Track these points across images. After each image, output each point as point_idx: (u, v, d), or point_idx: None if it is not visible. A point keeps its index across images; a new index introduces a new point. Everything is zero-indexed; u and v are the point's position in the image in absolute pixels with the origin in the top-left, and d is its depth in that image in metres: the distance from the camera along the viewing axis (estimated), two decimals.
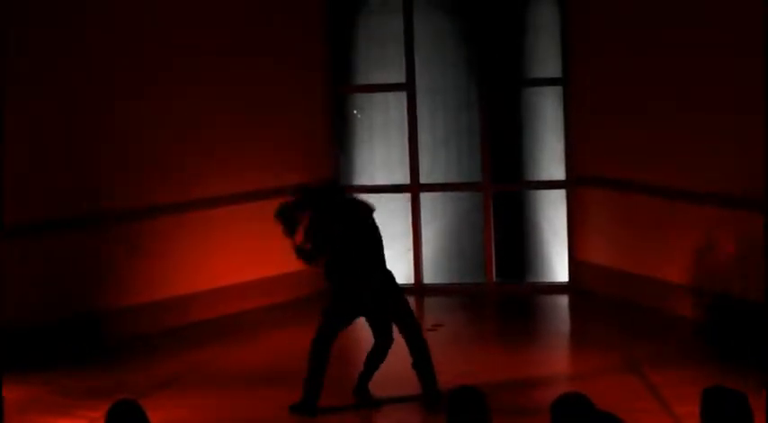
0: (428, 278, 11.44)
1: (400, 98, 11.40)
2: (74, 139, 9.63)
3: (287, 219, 7.75)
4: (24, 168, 9.14)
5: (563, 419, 4.89)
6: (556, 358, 9.28)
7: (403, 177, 11.42)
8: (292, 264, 10.91)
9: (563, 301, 11.03)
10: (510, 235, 11.51)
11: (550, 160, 11.42)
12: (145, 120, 10.05)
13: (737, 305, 9.17)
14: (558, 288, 11.21)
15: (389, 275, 7.87)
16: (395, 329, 7.91)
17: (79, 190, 9.65)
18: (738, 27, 9.05)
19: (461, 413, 5.05)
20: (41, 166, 9.40)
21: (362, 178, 11.68)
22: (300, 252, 7.86)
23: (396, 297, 7.86)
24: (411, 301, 11.01)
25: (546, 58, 11.39)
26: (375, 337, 7.95)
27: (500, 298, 11.17)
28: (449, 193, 11.70)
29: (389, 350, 7.92)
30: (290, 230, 7.79)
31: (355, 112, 11.76)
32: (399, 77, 11.33)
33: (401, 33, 11.27)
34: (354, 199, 8.08)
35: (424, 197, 11.45)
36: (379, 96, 11.66)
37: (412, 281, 11.34)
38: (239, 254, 10.64)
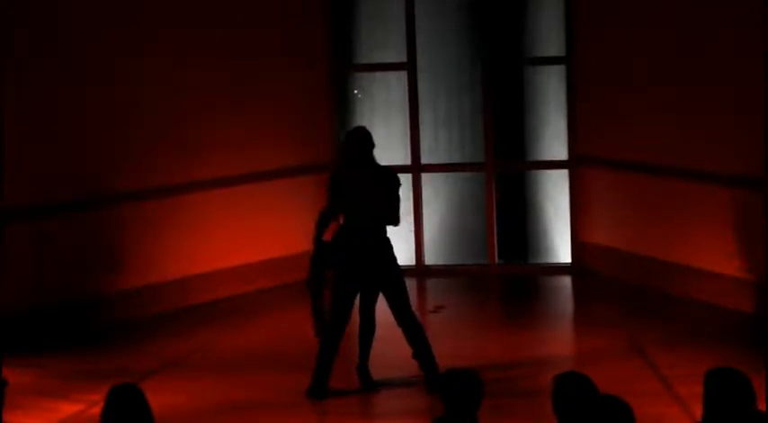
0: (430, 259, 11.39)
1: (401, 78, 11.32)
2: (71, 120, 9.57)
3: None
4: (21, 151, 9.07)
5: (566, 395, 4.86)
6: (559, 340, 9.25)
7: (404, 158, 11.35)
8: (293, 245, 10.94)
9: (566, 282, 10.99)
10: (512, 215, 11.46)
11: (553, 140, 11.36)
12: (142, 103, 9.98)
13: (740, 285, 9.13)
14: (560, 269, 11.16)
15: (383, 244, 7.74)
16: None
17: (76, 173, 9.59)
18: (740, 1, 8.99)
19: (456, 393, 5.03)
20: (37, 148, 9.33)
21: None
22: None
23: (393, 272, 7.76)
24: (413, 282, 11.07)
25: (549, 37, 11.31)
26: (360, 316, 7.91)
27: (502, 279, 11.13)
28: (451, 174, 11.64)
29: (376, 329, 7.91)
30: None
31: (356, 91, 11.69)
32: (401, 57, 11.25)
33: (402, 12, 11.18)
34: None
35: (426, 178, 11.39)
36: (379, 76, 11.58)
37: (413, 262, 11.28)
38: (238, 235, 10.59)
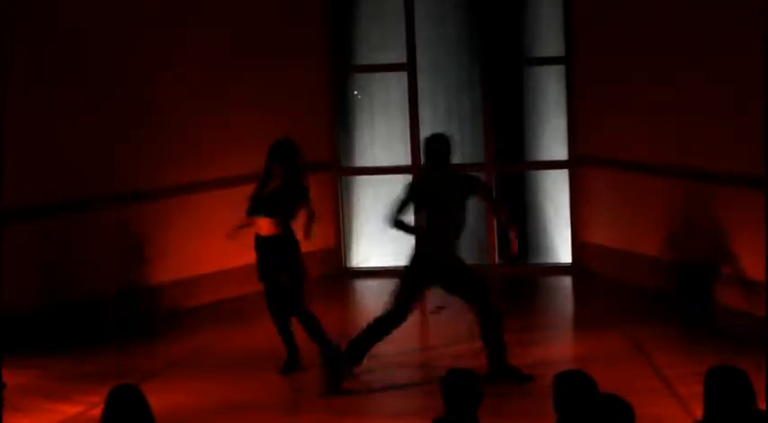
0: None
1: (401, 78, 11.32)
2: (71, 120, 9.56)
3: None
4: (21, 151, 9.07)
5: (566, 394, 4.87)
6: (559, 339, 9.25)
7: (404, 158, 11.35)
8: None
9: (566, 282, 10.99)
10: (512, 216, 11.43)
11: (553, 140, 11.36)
12: (143, 103, 9.98)
13: (739, 284, 9.14)
14: (561, 269, 11.16)
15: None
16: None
17: (77, 172, 9.59)
18: (740, 1, 8.99)
19: (456, 394, 5.03)
20: (38, 148, 9.33)
21: (363, 159, 11.62)
22: None
23: (469, 275, 7.96)
24: None
25: (548, 37, 11.31)
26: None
27: (503, 279, 11.11)
28: None
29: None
30: None
31: (356, 92, 11.69)
32: (400, 57, 11.25)
33: (402, 12, 11.18)
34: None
35: None
36: (379, 76, 11.58)
37: None
38: (239, 236, 10.56)
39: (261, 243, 8.27)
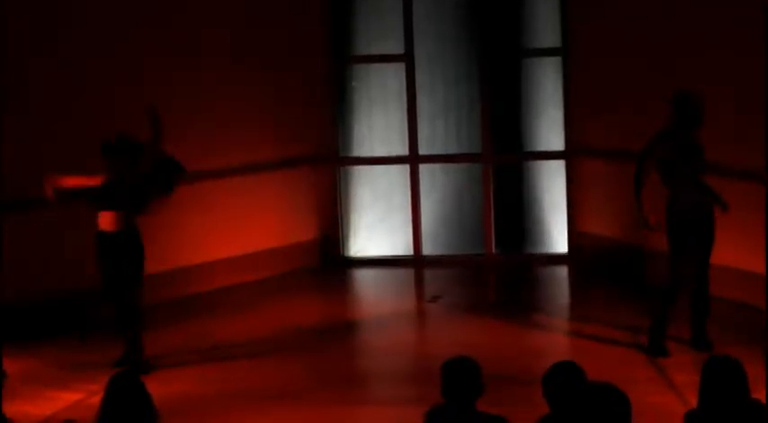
0: (427, 249, 11.42)
1: (399, 69, 11.33)
2: (70, 118, 9.57)
3: None
4: (21, 147, 9.08)
5: (555, 390, 4.91)
6: (554, 329, 9.27)
7: (402, 149, 11.38)
8: (292, 235, 10.98)
9: (562, 271, 11.02)
10: (509, 206, 11.49)
11: (550, 131, 11.38)
12: (143, 102, 9.96)
13: (737, 276, 9.17)
14: (557, 259, 11.19)
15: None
16: None
17: (77, 168, 9.59)
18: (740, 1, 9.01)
19: (455, 383, 5.06)
20: (36, 146, 9.33)
21: (361, 150, 11.64)
22: None
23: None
24: (410, 272, 11.10)
25: (545, 28, 11.32)
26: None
27: (499, 269, 11.16)
28: (448, 165, 11.65)
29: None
30: None
31: (354, 84, 11.69)
32: (398, 48, 11.26)
33: (400, 4, 11.19)
34: None
35: (423, 169, 11.41)
36: (377, 67, 11.59)
37: (411, 252, 11.32)
38: (239, 226, 10.61)
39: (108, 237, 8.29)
